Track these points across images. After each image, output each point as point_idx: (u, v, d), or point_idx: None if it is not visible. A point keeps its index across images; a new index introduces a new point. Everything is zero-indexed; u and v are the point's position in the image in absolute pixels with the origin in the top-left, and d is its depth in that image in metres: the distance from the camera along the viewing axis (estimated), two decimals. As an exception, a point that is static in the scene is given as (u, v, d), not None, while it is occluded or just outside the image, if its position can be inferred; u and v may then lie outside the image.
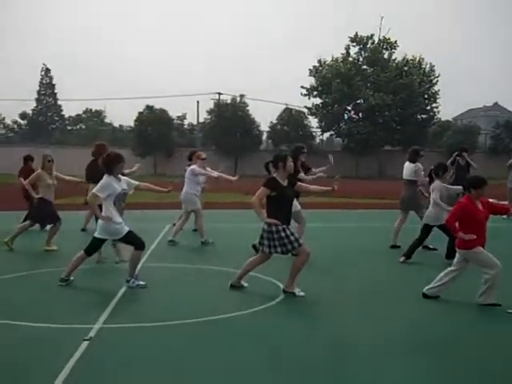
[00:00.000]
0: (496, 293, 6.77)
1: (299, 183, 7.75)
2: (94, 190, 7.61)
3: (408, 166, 10.94)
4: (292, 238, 7.06)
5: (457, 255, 7.02)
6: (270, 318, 6.42)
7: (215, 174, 11.65)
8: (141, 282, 7.63)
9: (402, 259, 9.51)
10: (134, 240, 7.61)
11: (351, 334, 5.84)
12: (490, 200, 7.37)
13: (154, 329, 5.94)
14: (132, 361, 5.05)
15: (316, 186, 8.02)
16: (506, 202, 13.49)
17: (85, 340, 5.42)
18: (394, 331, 5.92)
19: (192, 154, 12.14)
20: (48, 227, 11.16)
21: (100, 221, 7.57)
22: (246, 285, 7.58)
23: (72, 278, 7.80)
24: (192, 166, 11.41)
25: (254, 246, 9.60)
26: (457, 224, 6.84)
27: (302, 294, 7.15)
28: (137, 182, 8.02)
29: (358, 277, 8.58)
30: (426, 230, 9.55)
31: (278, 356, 5.19)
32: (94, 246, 7.74)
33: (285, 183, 7.25)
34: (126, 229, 7.61)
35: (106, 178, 7.54)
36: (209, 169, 11.76)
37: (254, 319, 6.35)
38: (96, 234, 7.64)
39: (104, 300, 6.96)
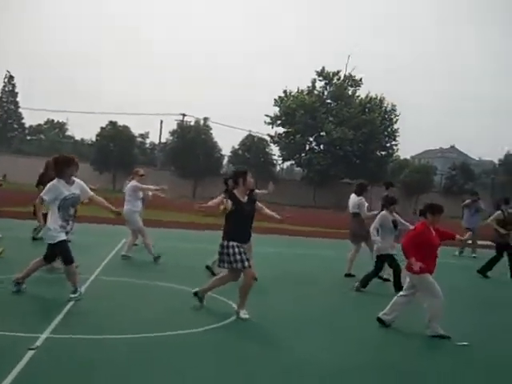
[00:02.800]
0: (443, 324, 6.90)
1: (258, 202, 7.63)
2: (41, 194, 7.53)
3: (354, 199, 11.09)
4: (240, 257, 7.01)
5: (407, 279, 7.17)
6: (220, 336, 6.40)
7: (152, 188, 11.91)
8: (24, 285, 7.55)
9: (356, 284, 9.60)
10: (63, 252, 7.44)
11: (301, 357, 5.88)
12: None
13: (100, 341, 5.86)
14: (76, 372, 4.96)
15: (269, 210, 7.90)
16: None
17: (30, 349, 5.30)
18: (341, 353, 5.98)
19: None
20: None
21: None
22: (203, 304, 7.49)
23: (25, 286, 7.63)
24: (133, 183, 11.52)
25: (207, 267, 9.60)
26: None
27: (246, 316, 7.08)
28: (92, 193, 7.89)
29: (312, 301, 8.64)
30: (380, 260, 9.70)
31: (225, 373, 5.18)
32: (63, 251, 7.49)
33: (244, 199, 7.20)
34: (61, 237, 7.40)
35: (54, 181, 7.44)
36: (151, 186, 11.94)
37: (202, 337, 6.29)
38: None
39: (53, 310, 6.83)
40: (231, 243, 7.05)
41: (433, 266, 7.03)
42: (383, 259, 9.68)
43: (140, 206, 11.57)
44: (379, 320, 7.23)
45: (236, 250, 7.02)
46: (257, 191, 10.30)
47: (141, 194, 11.66)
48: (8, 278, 7.96)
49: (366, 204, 10.91)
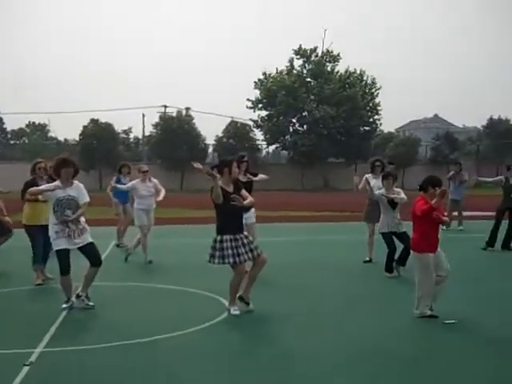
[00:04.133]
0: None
1: (243, 190, 7.41)
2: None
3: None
4: (232, 251, 6.99)
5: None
6: (213, 335, 6.47)
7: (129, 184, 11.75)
8: (90, 303, 7.56)
9: (387, 274, 9.55)
10: (59, 260, 7.41)
11: (298, 350, 5.97)
12: None
13: (95, 351, 5.90)
14: (73, 385, 5.03)
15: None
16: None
17: (25, 365, 5.34)
18: (339, 341, 6.09)
19: (121, 166, 13.20)
20: None
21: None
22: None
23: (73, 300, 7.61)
24: (133, 181, 11.49)
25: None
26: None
27: (236, 312, 7.12)
28: (86, 201, 7.65)
29: (326, 294, 8.57)
30: (384, 237, 9.69)
31: (224, 371, 5.26)
32: (60, 260, 7.45)
33: (230, 189, 7.15)
34: (60, 246, 7.35)
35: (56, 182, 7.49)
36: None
37: (196, 337, 6.36)
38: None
39: (45, 323, 6.84)
40: (224, 237, 7.03)
41: (434, 244, 6.97)
42: (383, 237, 9.68)
43: (142, 203, 11.16)
44: (431, 316, 6.96)
45: (228, 244, 7.00)
46: (261, 176, 10.15)
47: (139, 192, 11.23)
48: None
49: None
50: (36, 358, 5.61)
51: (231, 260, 7.01)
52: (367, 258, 10.89)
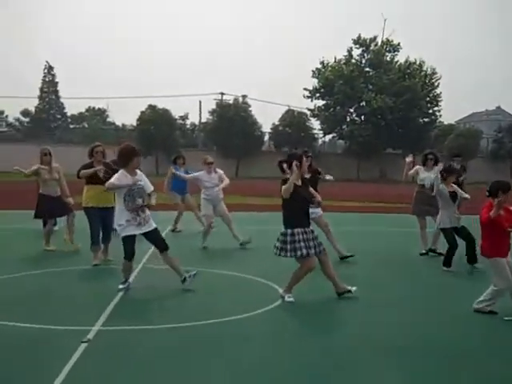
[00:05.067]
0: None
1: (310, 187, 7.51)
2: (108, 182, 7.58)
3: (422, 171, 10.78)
4: (304, 244, 6.98)
5: None
6: (266, 322, 6.43)
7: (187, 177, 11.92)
8: (193, 272, 7.70)
9: (444, 268, 9.26)
10: (125, 246, 7.49)
11: (346, 342, 5.87)
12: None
13: (151, 331, 5.95)
14: (130, 363, 5.06)
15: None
16: None
17: (83, 342, 5.42)
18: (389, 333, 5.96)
19: (176, 157, 13.33)
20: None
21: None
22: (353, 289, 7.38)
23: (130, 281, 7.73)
24: (197, 173, 11.51)
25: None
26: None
27: (290, 299, 7.10)
28: (152, 188, 7.78)
29: (379, 285, 8.41)
30: (445, 233, 9.43)
31: (270, 361, 5.21)
32: (126, 245, 7.52)
33: (299, 183, 7.17)
34: (128, 232, 7.40)
35: (120, 171, 7.54)
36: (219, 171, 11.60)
37: (249, 323, 6.33)
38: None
39: (102, 302, 6.95)
40: (296, 230, 7.02)
41: (506, 249, 6.72)
42: (445, 233, 9.41)
43: (208, 194, 11.21)
44: (477, 311, 6.77)
45: (301, 237, 6.99)
46: (329, 177, 10.22)
47: (204, 183, 11.29)
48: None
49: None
50: (93, 335, 5.69)
51: (304, 252, 6.97)
52: (423, 251, 10.62)
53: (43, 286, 7.94)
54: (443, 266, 9.25)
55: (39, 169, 10.30)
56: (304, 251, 6.96)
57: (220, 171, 11.43)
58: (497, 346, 5.78)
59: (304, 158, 7.29)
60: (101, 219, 9.26)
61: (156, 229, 7.61)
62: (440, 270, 9.18)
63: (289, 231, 7.04)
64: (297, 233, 7.00)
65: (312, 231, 7.19)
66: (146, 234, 7.56)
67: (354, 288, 7.35)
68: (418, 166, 10.79)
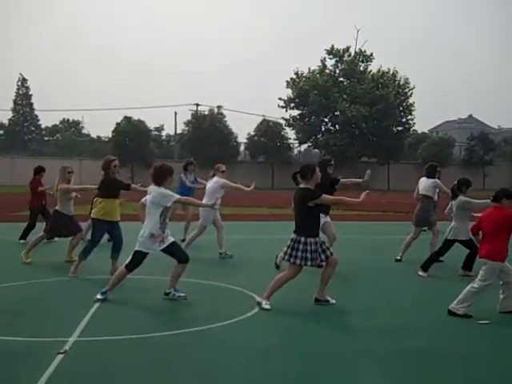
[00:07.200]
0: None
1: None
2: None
3: (426, 182, 10.88)
4: (309, 255, 7.06)
5: (481, 272, 6.97)
6: (244, 329, 6.43)
7: (234, 185, 11.74)
8: (181, 294, 7.63)
9: (420, 273, 9.39)
10: (133, 258, 7.45)
11: (326, 346, 5.91)
12: None
13: (128, 341, 5.92)
14: (106, 374, 5.03)
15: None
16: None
17: (59, 353, 5.37)
18: (369, 342, 6.01)
19: (188, 164, 13.14)
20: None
21: (140, 233, 7.49)
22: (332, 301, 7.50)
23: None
24: (220, 179, 11.34)
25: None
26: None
27: (267, 306, 7.13)
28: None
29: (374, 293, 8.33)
30: (449, 245, 9.45)
31: (246, 369, 5.23)
32: (134, 259, 7.48)
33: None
34: (142, 247, 7.38)
35: (161, 188, 7.44)
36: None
37: (227, 331, 6.33)
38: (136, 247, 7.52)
39: (80, 313, 6.88)
40: (309, 240, 7.08)
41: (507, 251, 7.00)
42: (464, 244, 9.31)
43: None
44: (450, 312, 6.93)
45: (313, 247, 7.07)
46: (343, 180, 10.38)
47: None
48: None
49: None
50: (70, 346, 5.62)
51: (309, 263, 7.09)
52: (398, 257, 10.83)
53: (20, 298, 7.84)
54: (420, 271, 9.34)
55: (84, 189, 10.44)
56: (309, 262, 7.08)
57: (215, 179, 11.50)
58: (475, 350, 5.85)
59: (317, 169, 7.35)
60: (105, 232, 9.34)
61: (175, 241, 7.62)
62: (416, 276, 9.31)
63: (302, 239, 7.10)
64: (309, 243, 7.07)
65: (323, 242, 7.31)
66: (164, 250, 7.51)
67: (333, 301, 7.44)
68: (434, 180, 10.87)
